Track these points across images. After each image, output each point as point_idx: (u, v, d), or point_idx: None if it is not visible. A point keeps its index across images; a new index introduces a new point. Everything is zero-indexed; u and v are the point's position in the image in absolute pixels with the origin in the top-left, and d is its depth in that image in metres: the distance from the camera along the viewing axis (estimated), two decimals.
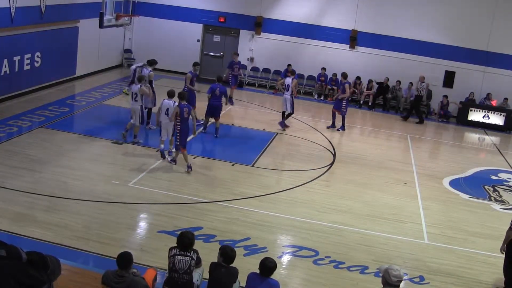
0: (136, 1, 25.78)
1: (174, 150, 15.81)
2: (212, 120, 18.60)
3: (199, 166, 15.74)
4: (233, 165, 16.03)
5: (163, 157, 15.82)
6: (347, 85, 20.87)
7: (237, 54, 23.72)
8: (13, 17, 18.95)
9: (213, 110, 18.26)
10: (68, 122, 18.51)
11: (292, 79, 20.15)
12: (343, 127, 20.97)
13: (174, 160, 15.54)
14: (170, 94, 15.75)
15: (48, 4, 20.69)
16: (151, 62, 18.66)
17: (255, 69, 27.63)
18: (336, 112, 20.95)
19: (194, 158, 16.21)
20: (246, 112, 22.83)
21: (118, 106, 20.66)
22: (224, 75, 21.21)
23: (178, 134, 15.06)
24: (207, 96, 18.20)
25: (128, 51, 28.22)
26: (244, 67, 26.79)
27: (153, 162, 15.59)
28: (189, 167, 15.08)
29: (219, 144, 18.07)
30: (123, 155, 16.02)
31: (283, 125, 20.06)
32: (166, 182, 14.25)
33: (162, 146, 15.87)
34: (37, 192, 12.58)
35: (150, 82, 17.87)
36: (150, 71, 18.15)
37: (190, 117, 15.09)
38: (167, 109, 15.54)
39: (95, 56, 24.83)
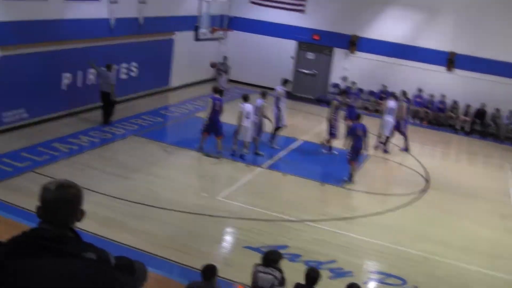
0: (231, 16, 26.11)
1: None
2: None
3: (289, 184, 15.71)
4: (322, 185, 15.88)
5: (242, 157, 16.74)
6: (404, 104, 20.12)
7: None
8: (112, 27, 19.67)
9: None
10: (160, 132, 18.96)
11: (398, 102, 19.64)
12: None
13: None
14: (246, 98, 16.72)
15: (146, 16, 21.32)
16: (284, 81, 19.04)
17: (348, 88, 27.37)
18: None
19: (284, 176, 16.18)
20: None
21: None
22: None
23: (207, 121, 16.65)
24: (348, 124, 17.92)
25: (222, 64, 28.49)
26: (338, 85, 26.64)
27: (243, 176, 15.66)
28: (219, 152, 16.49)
29: (312, 163, 17.93)
30: (214, 168, 16.18)
31: (385, 150, 19.65)
32: (254, 198, 14.29)
33: (246, 151, 16.75)
34: (127, 199, 12.88)
35: (278, 100, 18.29)
36: (281, 89, 18.43)
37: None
38: (248, 113, 16.28)
39: (189, 69, 25.27)
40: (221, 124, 16.81)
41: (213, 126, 16.72)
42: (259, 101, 17.15)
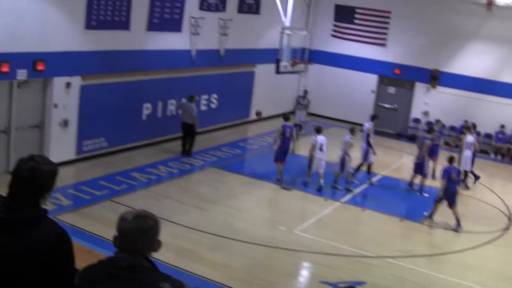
0: (312, 49, 26.09)
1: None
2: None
3: (367, 219, 15.41)
4: (402, 220, 15.48)
5: (319, 190, 16.60)
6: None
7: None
8: (193, 59, 19.98)
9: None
10: (239, 164, 19.02)
11: (474, 135, 19.14)
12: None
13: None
14: (319, 130, 16.96)
15: (227, 48, 21.57)
16: (372, 117, 18.93)
17: (429, 123, 26.80)
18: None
19: (363, 211, 15.90)
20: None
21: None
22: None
23: (278, 150, 17.05)
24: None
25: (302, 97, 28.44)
26: (418, 120, 26.15)
27: (320, 210, 15.47)
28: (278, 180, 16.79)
29: (391, 198, 17.53)
30: (291, 200, 16.07)
31: (465, 186, 19.03)
32: (332, 232, 14.03)
33: (322, 181, 16.60)
34: (203, 230, 12.86)
35: (368, 136, 18.14)
36: (370, 125, 18.25)
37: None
38: (322, 145, 16.59)
39: (270, 101, 25.32)
40: (287, 152, 17.12)
41: (282, 154, 17.07)
42: (347, 137, 16.98)
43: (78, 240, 10.90)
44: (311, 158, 16.94)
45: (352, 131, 17.25)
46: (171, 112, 19.47)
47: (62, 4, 14.82)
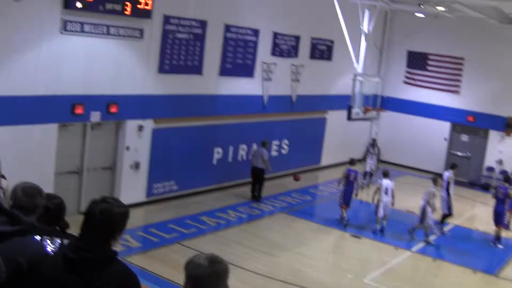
0: (384, 96, 25.66)
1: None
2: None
3: (439, 270, 14.70)
4: (474, 272, 14.65)
5: (381, 231, 16.53)
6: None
7: None
8: (265, 104, 19.86)
9: None
10: (309, 210, 18.63)
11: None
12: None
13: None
14: (386, 174, 16.97)
15: (298, 94, 21.42)
16: (452, 166, 18.64)
17: (503, 172, 25.78)
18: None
19: (434, 261, 15.18)
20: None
21: (360, 200, 20.21)
22: None
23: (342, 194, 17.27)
24: None
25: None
26: (492, 169, 25.21)
27: (390, 259, 14.87)
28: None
29: (464, 248, 16.71)
30: (361, 249, 15.54)
31: None
32: (402, 283, 13.46)
33: (385, 223, 16.49)
34: (271, 276, 12.49)
35: (448, 185, 17.70)
36: (450, 173, 17.77)
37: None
38: (387, 188, 16.58)
39: (341, 148, 24.92)
40: (351, 195, 17.23)
41: (346, 197, 17.14)
42: (432, 189, 16.41)
43: (146, 283, 10.78)
44: (376, 202, 16.86)
45: (435, 181, 16.61)
46: (242, 157, 19.34)
47: (136, 48, 15.00)
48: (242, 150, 19.18)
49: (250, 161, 18.57)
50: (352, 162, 17.89)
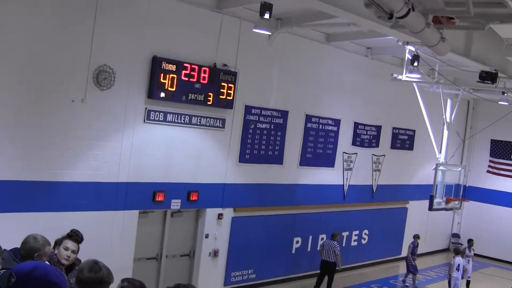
0: (467, 186, 24.38)
1: None
2: None
3: None
4: None
5: None
6: None
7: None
8: (345, 194, 19.03)
9: None
10: None
11: None
12: None
13: None
14: (457, 252, 17.61)
15: (379, 184, 20.49)
16: None
17: None
18: None
19: None
20: None
21: None
22: None
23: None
24: None
25: (455, 235, 26.45)
26: None
27: None
28: None
29: None
30: None
31: None
32: None
33: None
34: None
35: None
36: None
37: None
38: (459, 265, 17.14)
39: (422, 238, 23.54)
40: None
41: None
42: None
43: None
44: (449, 279, 17.56)
45: None
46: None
47: (217, 137, 14.59)
48: (321, 239, 18.14)
49: (320, 254, 17.15)
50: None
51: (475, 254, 24.10)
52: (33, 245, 5.89)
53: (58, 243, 7.06)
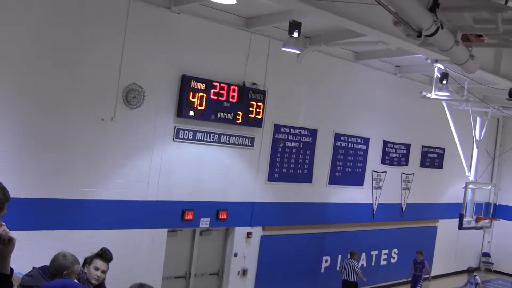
0: (497, 204, 23.86)
1: None
2: None
3: None
4: None
5: None
6: None
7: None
8: (374, 213, 18.66)
9: None
10: None
11: None
12: None
13: None
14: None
15: (409, 203, 20.09)
16: None
17: None
18: None
19: None
20: None
21: None
22: None
23: None
24: None
25: (486, 254, 25.83)
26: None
27: None
28: None
29: None
30: None
31: None
32: None
33: None
34: None
35: None
36: None
37: None
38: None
39: (452, 257, 23.05)
40: None
41: None
42: None
43: None
44: None
45: None
46: None
47: (246, 156, 14.37)
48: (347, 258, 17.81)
49: (340, 273, 16.78)
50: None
51: (506, 273, 23.67)
52: (62, 263, 5.77)
53: (87, 261, 6.96)
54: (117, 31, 11.47)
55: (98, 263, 6.87)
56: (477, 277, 18.37)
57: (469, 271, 18.65)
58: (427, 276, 19.20)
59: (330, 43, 14.65)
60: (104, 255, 6.98)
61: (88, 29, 11.10)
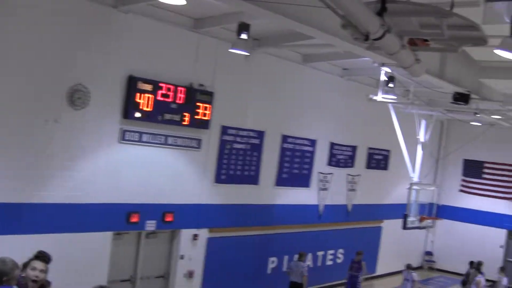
0: (440, 204, 24.43)
1: None
2: None
3: None
4: None
5: None
6: None
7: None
8: (321, 214, 18.84)
9: None
10: None
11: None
12: None
13: None
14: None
15: (355, 204, 20.37)
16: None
17: None
18: None
19: None
20: None
21: None
22: None
23: None
24: None
25: (429, 253, 26.47)
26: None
27: None
28: None
29: None
30: None
31: None
32: None
33: None
34: None
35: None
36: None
37: None
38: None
39: (396, 256, 23.46)
40: None
41: None
42: None
43: None
44: None
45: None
46: None
47: (193, 158, 14.27)
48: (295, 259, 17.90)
49: (287, 274, 16.84)
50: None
51: (447, 271, 24.26)
52: (1, 269, 5.57)
53: (25, 265, 6.71)
54: (61, 30, 11.18)
55: (36, 263, 6.62)
56: (413, 273, 18.60)
57: (407, 267, 18.85)
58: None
59: (278, 45, 14.72)
60: (42, 256, 6.77)
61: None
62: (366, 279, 21.24)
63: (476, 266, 19.25)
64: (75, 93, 11.48)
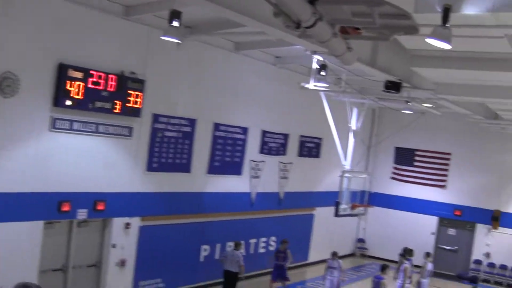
0: (372, 192, 25.42)
1: None
2: None
3: None
4: None
5: None
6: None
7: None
8: (253, 201, 19.50)
9: None
10: None
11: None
12: None
13: None
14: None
15: (286, 191, 21.09)
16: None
17: (491, 265, 25.23)
18: None
19: None
20: None
21: None
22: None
23: None
24: None
25: (361, 240, 27.54)
26: (480, 262, 24.76)
27: None
28: None
29: None
30: None
31: None
32: None
33: None
34: None
35: None
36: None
37: None
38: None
39: (328, 244, 24.34)
40: None
41: None
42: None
43: None
44: None
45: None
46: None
47: (124, 146, 14.72)
48: (229, 247, 18.48)
49: (221, 263, 17.39)
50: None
51: (380, 258, 25.26)
52: None
53: None
54: None
55: None
56: (339, 261, 18.96)
57: (333, 255, 18.88)
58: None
59: (210, 33, 15.12)
60: None
61: None
62: (299, 266, 22.08)
63: (402, 253, 20.30)
64: (4, 81, 11.75)
